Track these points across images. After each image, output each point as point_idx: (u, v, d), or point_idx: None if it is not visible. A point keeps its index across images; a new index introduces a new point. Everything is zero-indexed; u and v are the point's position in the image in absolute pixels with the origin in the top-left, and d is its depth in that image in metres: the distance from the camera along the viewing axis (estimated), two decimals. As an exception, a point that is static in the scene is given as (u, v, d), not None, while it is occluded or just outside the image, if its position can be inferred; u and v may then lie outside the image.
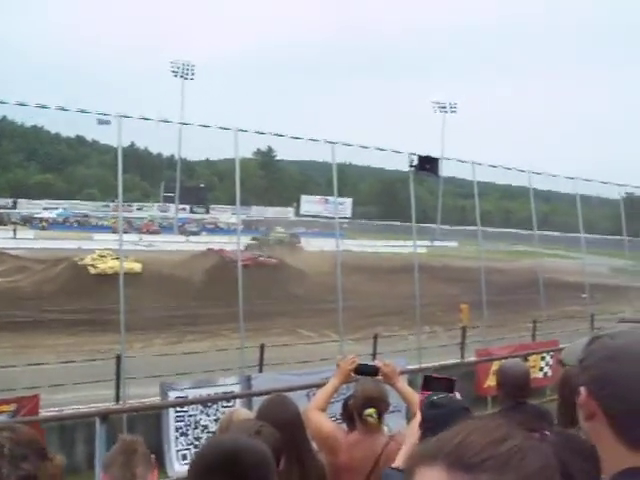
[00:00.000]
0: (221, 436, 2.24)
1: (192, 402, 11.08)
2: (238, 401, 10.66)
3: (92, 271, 29.05)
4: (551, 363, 15.19)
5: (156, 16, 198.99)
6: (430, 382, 2.60)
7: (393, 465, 2.58)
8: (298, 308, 25.99)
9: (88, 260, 30.31)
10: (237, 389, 11.75)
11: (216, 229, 69.50)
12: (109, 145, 71.36)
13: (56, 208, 73.49)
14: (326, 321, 20.95)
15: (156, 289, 26.63)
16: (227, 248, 32.18)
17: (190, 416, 10.96)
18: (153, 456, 2.92)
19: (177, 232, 65.92)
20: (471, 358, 15.55)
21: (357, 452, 3.75)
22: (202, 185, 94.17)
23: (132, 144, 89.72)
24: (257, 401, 7.84)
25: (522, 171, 20.22)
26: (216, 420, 10.24)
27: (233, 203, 18.96)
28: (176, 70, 76.70)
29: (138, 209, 79.98)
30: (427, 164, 15.90)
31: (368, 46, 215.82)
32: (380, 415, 3.78)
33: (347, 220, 67.41)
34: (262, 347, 13.75)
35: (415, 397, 3.26)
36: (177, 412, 10.90)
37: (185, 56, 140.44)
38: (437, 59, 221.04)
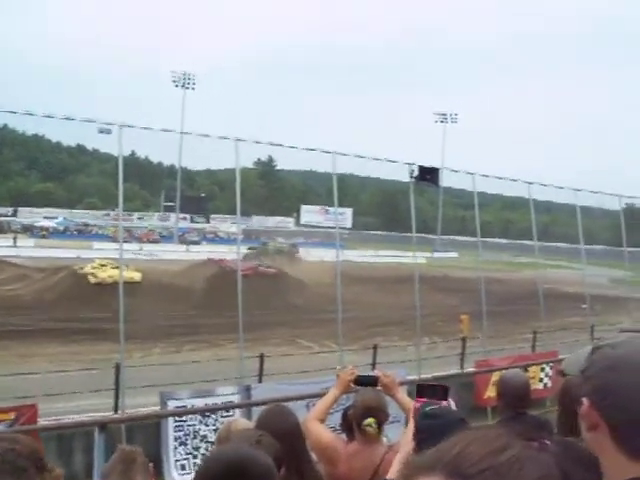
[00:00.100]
0: (224, 447, 2.23)
1: (191, 412, 11.06)
2: (237, 411, 10.64)
3: (92, 280, 29.03)
4: (551, 374, 15.16)
5: (157, 26, 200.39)
6: (424, 389, 2.59)
7: (387, 477, 2.56)
8: (298, 318, 25.95)
9: (88, 269, 30.30)
10: (236, 399, 11.73)
11: (216, 239, 69.61)
12: (110, 154, 71.53)
13: (56, 217, 73.60)
14: (326, 331, 20.91)
15: (156, 298, 26.59)
16: (227, 258, 32.19)
17: (189, 426, 10.93)
18: (151, 465, 2.91)
19: (177, 241, 66.00)
20: (471, 369, 15.52)
21: (356, 462, 3.73)
22: (202, 195, 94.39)
23: (133, 153, 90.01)
24: (256, 411, 7.81)
25: (522, 182, 20.24)
26: (215, 430, 10.21)
27: (233, 213, 18.97)
28: (177, 80, 77.02)
29: (138, 218, 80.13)
30: (427, 174, 15.93)
31: (368, 57, 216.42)
32: (380, 425, 3.77)
33: (347, 230, 67.45)
34: (262, 357, 13.72)
35: None
36: (176, 422, 10.87)
37: (186, 65, 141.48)
38: (438, 69, 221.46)
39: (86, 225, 73.12)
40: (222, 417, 10.57)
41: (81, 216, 78.32)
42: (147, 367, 15.14)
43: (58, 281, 30.06)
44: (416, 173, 15.76)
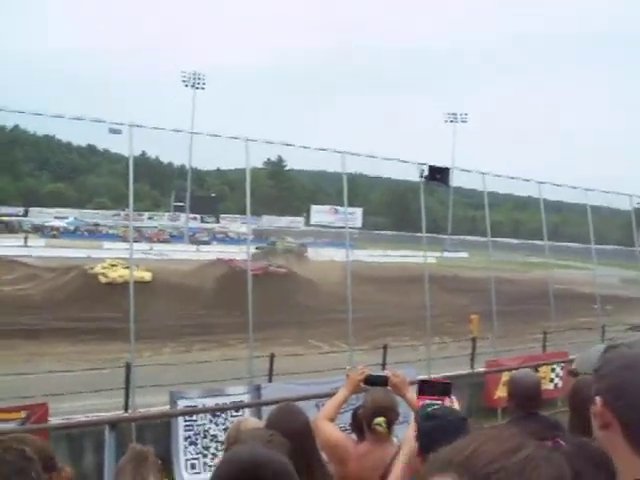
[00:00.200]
0: (238, 448, 2.21)
1: (201, 411, 11.07)
2: (247, 410, 10.64)
3: (102, 280, 29.13)
4: (561, 374, 15.11)
5: (167, 25, 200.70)
6: (426, 386, 2.58)
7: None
8: (308, 318, 25.95)
9: (98, 269, 30.41)
10: (246, 398, 11.73)
11: (226, 238, 69.68)
12: (120, 154, 72.00)
13: (67, 217, 73.85)
14: (336, 331, 20.89)
15: (166, 298, 26.68)
16: (237, 257, 32.25)
17: (199, 425, 10.95)
18: (159, 462, 2.91)
19: (187, 241, 66.09)
20: (481, 369, 15.49)
21: (366, 462, 3.73)
22: (213, 195, 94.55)
23: (143, 153, 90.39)
24: (266, 410, 7.82)
25: (533, 181, 20.19)
26: (225, 429, 10.21)
27: (243, 213, 18.97)
28: (187, 80, 77.16)
29: (149, 218, 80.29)
30: (437, 174, 15.91)
31: (378, 57, 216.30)
32: (390, 425, 3.76)
33: (357, 230, 67.42)
34: (272, 357, 13.73)
35: None
36: (186, 421, 10.89)
37: (195, 65, 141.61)
38: (448, 69, 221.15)
39: (96, 225, 73.33)
40: (232, 416, 10.57)
41: (91, 216, 78.54)
42: (157, 366, 15.18)
43: (68, 281, 30.18)
44: (426, 173, 15.76)
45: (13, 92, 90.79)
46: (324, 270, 35.21)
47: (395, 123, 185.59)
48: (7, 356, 18.29)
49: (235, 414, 10.57)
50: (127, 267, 20.31)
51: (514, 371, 5.57)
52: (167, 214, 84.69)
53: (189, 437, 10.91)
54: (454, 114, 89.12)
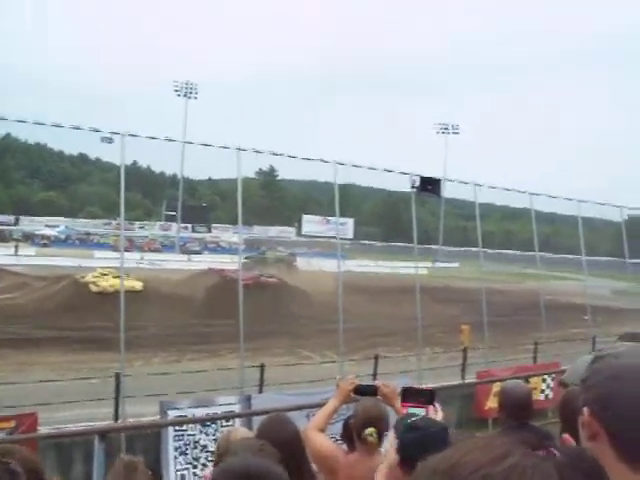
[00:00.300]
0: (232, 459, 2.20)
1: (191, 421, 11.03)
2: (238, 421, 10.61)
3: (93, 289, 28.97)
4: (552, 385, 15.14)
5: (158, 34, 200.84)
6: (410, 393, 2.57)
7: None
8: (299, 328, 25.91)
9: (89, 278, 30.24)
10: (237, 409, 11.71)
11: (218, 248, 69.62)
12: (112, 163, 71.77)
13: (58, 225, 73.68)
14: (327, 341, 20.87)
15: (157, 308, 26.56)
16: (227, 267, 32.16)
17: (189, 435, 10.91)
18: (149, 472, 2.90)
19: (179, 251, 65.98)
20: (472, 379, 15.49)
21: (356, 472, 3.72)
22: (204, 204, 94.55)
23: (135, 162, 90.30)
24: (257, 421, 7.79)
25: (524, 192, 20.26)
26: (215, 440, 10.17)
27: (235, 222, 18.99)
28: (179, 89, 77.22)
29: (140, 227, 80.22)
30: (429, 185, 15.98)
31: (370, 66, 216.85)
32: (380, 435, 3.76)
33: (349, 240, 67.40)
34: (262, 367, 13.70)
35: None
36: (176, 431, 10.84)
37: (188, 75, 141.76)
38: (439, 80, 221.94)
39: (88, 234, 73.19)
40: (222, 427, 10.53)
41: (83, 225, 78.41)
42: (147, 376, 15.12)
43: (59, 290, 30.00)
44: (417, 183, 15.81)
45: (4, 100, 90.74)
46: (315, 280, 35.15)
47: (387, 133, 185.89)
48: (-4, 365, 18.21)
49: (225, 424, 10.54)
50: (118, 276, 20.18)
51: (505, 382, 5.59)
52: (158, 223, 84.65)
53: (179, 447, 10.86)
54: (446, 126, 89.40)
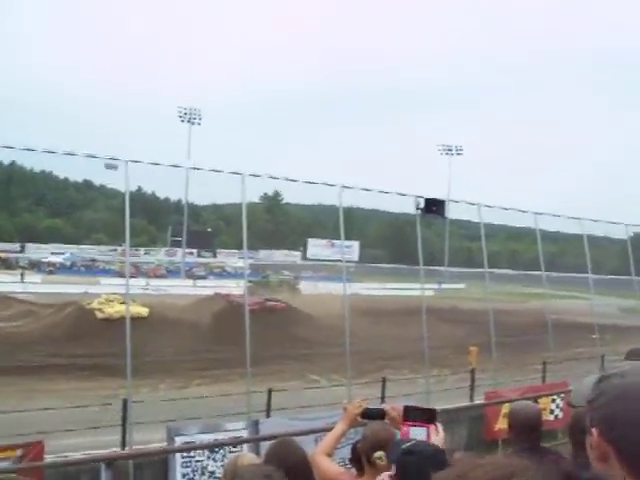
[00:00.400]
0: None
1: (199, 447, 10.97)
2: (245, 446, 10.55)
3: (99, 315, 28.97)
4: (561, 405, 15.03)
5: (162, 60, 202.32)
6: (411, 412, 2.57)
7: None
8: (306, 352, 25.84)
9: (95, 304, 30.24)
10: (245, 434, 11.64)
11: (223, 273, 69.74)
12: (116, 189, 71.94)
13: (63, 253, 73.93)
14: (334, 365, 20.78)
15: (163, 333, 26.52)
16: (233, 292, 32.18)
17: (197, 461, 10.83)
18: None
19: (184, 276, 66.10)
20: (480, 401, 15.39)
21: (365, 497, 3.69)
22: (209, 229, 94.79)
23: (139, 188, 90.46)
24: (265, 446, 7.75)
25: (530, 212, 20.25)
26: (223, 465, 10.11)
27: (240, 247, 19.04)
28: (183, 115, 77.76)
29: (145, 253, 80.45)
30: (434, 206, 15.97)
31: (373, 89, 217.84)
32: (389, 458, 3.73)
33: (354, 263, 67.39)
34: (270, 392, 13.63)
35: None
36: (184, 457, 10.77)
37: (191, 100, 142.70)
38: (442, 102, 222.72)
39: (93, 260, 73.44)
40: (230, 452, 10.48)
41: (88, 252, 78.69)
42: (154, 402, 15.07)
43: (65, 317, 30.01)
44: (422, 205, 15.81)
45: (10, 129, 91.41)
46: (322, 304, 35.10)
47: (391, 156, 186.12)
48: (3, 393, 18.14)
49: (233, 450, 10.48)
50: (124, 302, 20.23)
51: (514, 402, 5.56)
52: (164, 249, 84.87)
53: (187, 474, 10.78)
54: (449, 147, 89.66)
